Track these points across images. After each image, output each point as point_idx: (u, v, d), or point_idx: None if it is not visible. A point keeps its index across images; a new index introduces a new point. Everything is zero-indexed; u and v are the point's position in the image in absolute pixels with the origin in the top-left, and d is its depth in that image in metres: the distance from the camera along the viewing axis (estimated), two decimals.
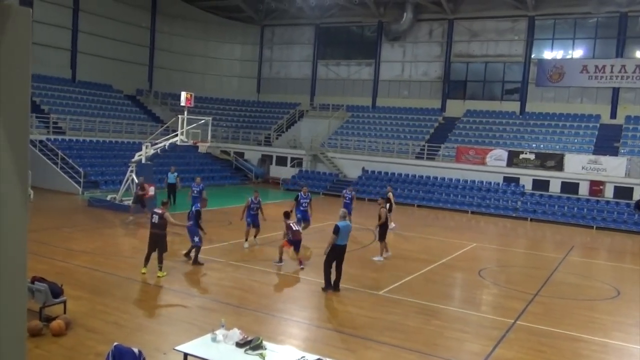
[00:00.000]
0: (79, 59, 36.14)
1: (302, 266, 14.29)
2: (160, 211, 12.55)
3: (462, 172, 31.38)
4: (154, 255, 12.54)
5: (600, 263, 19.11)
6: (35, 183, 23.08)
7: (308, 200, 18.22)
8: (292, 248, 14.37)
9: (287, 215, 15.00)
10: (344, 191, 21.44)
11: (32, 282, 9.03)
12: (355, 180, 33.26)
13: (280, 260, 14.36)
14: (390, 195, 22.11)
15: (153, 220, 12.48)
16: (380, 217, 15.88)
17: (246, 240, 16.27)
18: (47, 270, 11.20)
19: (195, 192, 19.44)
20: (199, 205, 14.46)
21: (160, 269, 12.50)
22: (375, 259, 15.79)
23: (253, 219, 16.27)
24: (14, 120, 2.68)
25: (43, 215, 19.13)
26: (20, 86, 2.73)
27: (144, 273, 12.51)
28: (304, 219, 18.06)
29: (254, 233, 16.57)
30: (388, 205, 22.06)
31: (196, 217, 13.87)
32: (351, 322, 10.34)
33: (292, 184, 34.22)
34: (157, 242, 12.49)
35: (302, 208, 18.04)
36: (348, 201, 20.20)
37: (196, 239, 13.79)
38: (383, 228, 15.92)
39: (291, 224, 14.48)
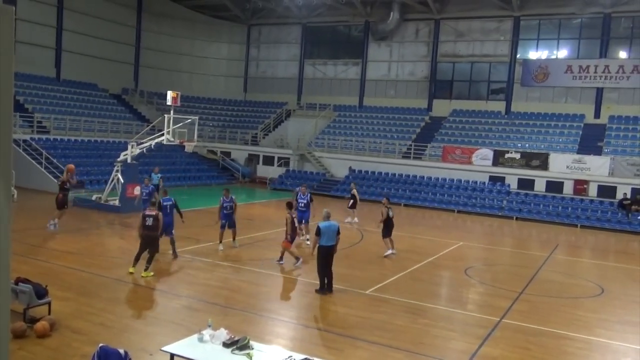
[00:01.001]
0: (63, 57, 35.77)
1: (281, 262, 14.34)
2: (154, 213, 12.60)
3: (448, 172, 31.54)
4: (143, 255, 12.56)
5: (584, 261, 19.32)
6: (19, 183, 22.82)
7: (305, 201, 17.57)
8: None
9: (290, 205, 14.44)
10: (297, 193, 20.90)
11: (16, 283, 8.94)
12: (342, 180, 33.32)
13: (281, 258, 14.31)
14: (355, 192, 22.27)
15: (147, 223, 12.45)
16: (382, 214, 16.27)
17: (220, 242, 15.67)
18: (32, 271, 11.08)
19: (144, 194, 18.20)
20: (171, 199, 14.95)
21: (147, 269, 12.44)
22: (387, 253, 16.11)
23: (227, 219, 15.62)
24: None
25: (27, 216, 18.91)
26: (3, 85, 2.69)
27: (131, 272, 12.43)
28: (305, 220, 17.36)
29: (231, 235, 15.91)
30: (352, 201, 22.29)
31: (176, 207, 14.87)
32: (339, 322, 10.35)
33: (279, 183, 34.19)
34: (149, 244, 12.53)
35: (299, 208, 17.40)
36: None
37: (174, 231, 14.46)
38: (386, 225, 16.22)
39: (294, 219, 14.30)
